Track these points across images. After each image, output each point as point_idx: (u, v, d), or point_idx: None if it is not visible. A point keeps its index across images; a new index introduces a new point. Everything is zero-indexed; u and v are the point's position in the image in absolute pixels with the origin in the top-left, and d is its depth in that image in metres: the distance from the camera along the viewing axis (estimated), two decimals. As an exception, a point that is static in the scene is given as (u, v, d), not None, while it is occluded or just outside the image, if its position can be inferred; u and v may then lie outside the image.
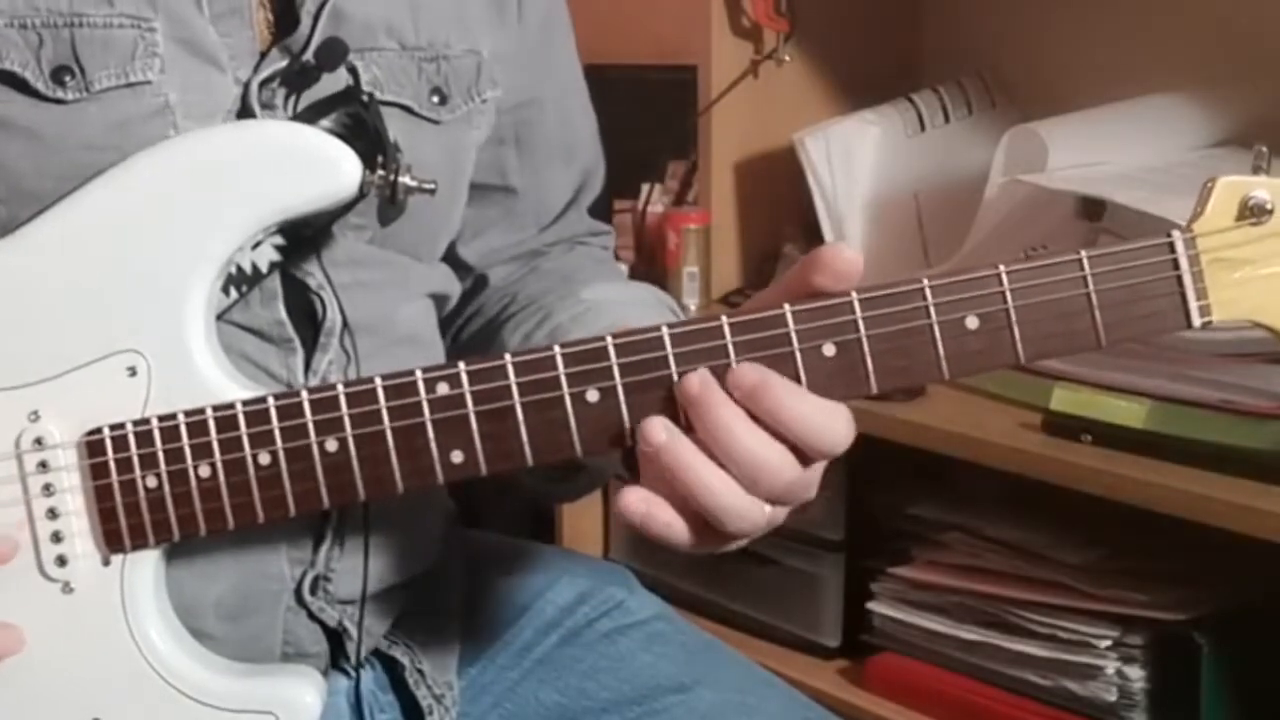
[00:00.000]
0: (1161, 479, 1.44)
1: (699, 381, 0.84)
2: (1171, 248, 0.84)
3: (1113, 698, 1.56)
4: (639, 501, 0.85)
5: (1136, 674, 1.55)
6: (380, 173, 0.97)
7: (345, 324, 1.01)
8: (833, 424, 0.85)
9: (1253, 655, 1.52)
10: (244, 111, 0.97)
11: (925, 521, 1.77)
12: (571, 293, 1.12)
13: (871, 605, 1.77)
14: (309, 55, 0.98)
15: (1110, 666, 1.55)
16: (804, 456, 0.85)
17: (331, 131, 0.95)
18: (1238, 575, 1.55)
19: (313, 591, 1.02)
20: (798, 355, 0.84)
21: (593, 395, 0.86)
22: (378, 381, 0.87)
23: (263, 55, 0.98)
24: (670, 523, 0.86)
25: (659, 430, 0.84)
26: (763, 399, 0.84)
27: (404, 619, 1.11)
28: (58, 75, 0.92)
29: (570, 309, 1.10)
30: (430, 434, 0.87)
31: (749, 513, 0.85)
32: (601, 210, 1.29)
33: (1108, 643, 1.56)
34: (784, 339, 0.84)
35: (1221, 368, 1.46)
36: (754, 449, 0.84)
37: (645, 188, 2.09)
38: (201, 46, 0.96)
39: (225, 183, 0.91)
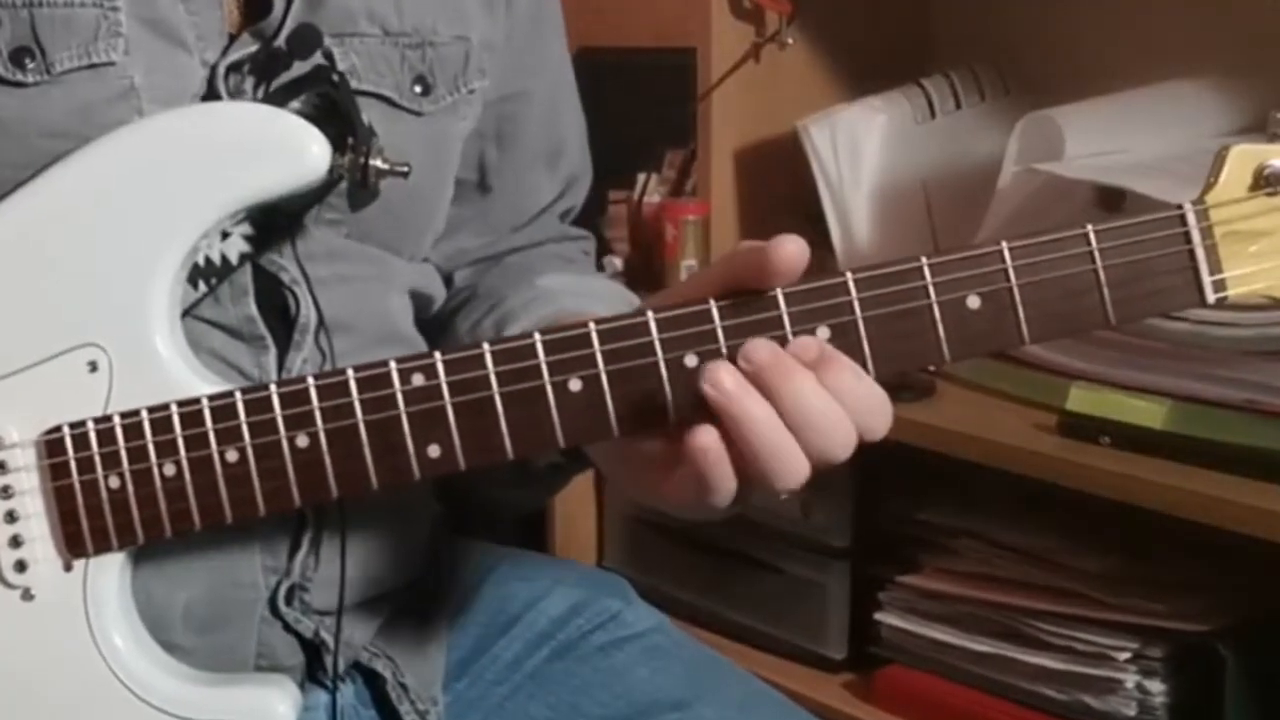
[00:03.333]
0: (1183, 482, 1.44)
1: (768, 348, 0.82)
2: (1183, 220, 0.84)
3: (1132, 712, 1.55)
4: (716, 443, 0.83)
5: (1157, 688, 1.55)
6: (350, 155, 0.96)
7: (321, 321, 1.01)
8: (883, 407, 0.84)
9: (1279, 667, 1.52)
10: (210, 97, 0.97)
11: (935, 527, 1.76)
12: (527, 281, 1.12)
13: (879, 615, 1.76)
14: (280, 41, 0.98)
15: (1129, 680, 1.55)
16: None
17: (300, 113, 0.95)
18: (1263, 583, 1.54)
19: (288, 601, 1.02)
20: (791, 339, 0.84)
21: (575, 385, 0.85)
22: (350, 374, 0.87)
23: (232, 38, 0.98)
24: (726, 475, 0.84)
25: (727, 378, 0.82)
26: (825, 372, 0.83)
27: (386, 630, 1.11)
28: (17, 57, 0.92)
29: (522, 294, 1.10)
30: (405, 428, 0.87)
31: (801, 471, 0.84)
32: (591, 208, 1.28)
33: (1127, 655, 1.55)
34: (776, 322, 0.84)
35: (1246, 366, 1.46)
36: (827, 410, 0.83)
37: (641, 177, 2.09)
38: (167, 26, 0.96)
39: (187, 168, 0.91)
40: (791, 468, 0.83)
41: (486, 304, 1.12)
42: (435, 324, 1.16)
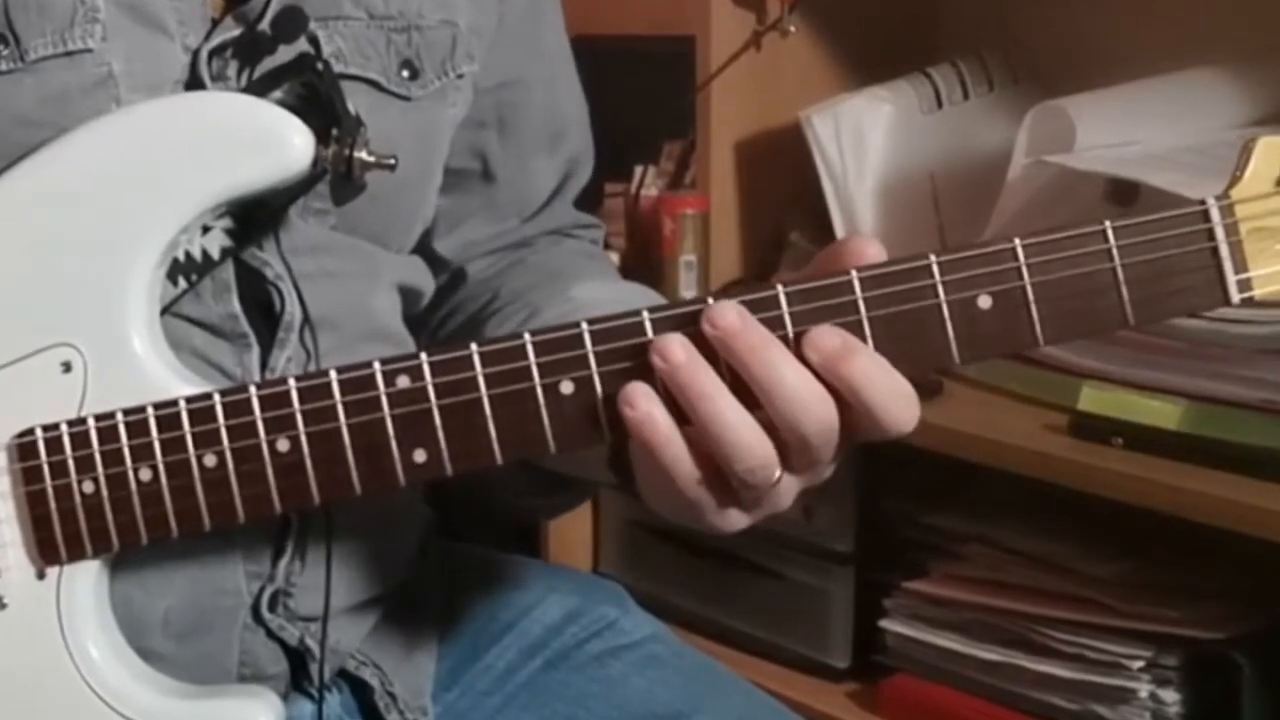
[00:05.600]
0: (1198, 485, 1.44)
1: (736, 313, 0.82)
2: (1206, 216, 0.83)
3: (1146, 723, 1.55)
4: (643, 398, 0.83)
5: (1171, 697, 1.55)
6: (334, 147, 0.96)
7: (306, 318, 1.00)
8: (907, 395, 0.83)
9: (1297, 676, 1.52)
10: (193, 83, 0.96)
11: (942, 531, 1.77)
12: (560, 290, 1.12)
13: (884, 623, 1.77)
14: (265, 25, 0.97)
15: (1143, 689, 1.55)
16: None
17: (283, 103, 0.95)
18: (1281, 590, 1.54)
19: (271, 608, 1.01)
20: (793, 340, 0.83)
21: (567, 387, 0.85)
22: (333, 375, 0.86)
23: (215, 22, 0.98)
24: (671, 439, 0.83)
25: (678, 349, 0.82)
26: (843, 367, 0.82)
27: (374, 637, 1.10)
28: None
29: (558, 306, 1.09)
30: (390, 431, 0.86)
31: (764, 458, 0.83)
32: (588, 201, 1.28)
33: (1140, 663, 1.56)
34: (777, 322, 0.83)
35: (1263, 365, 1.46)
36: (798, 388, 0.82)
37: (638, 170, 2.09)
38: (147, 11, 0.96)
39: (165, 161, 0.91)
40: (749, 450, 0.82)
41: (520, 314, 1.11)
42: (458, 326, 1.17)
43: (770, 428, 0.83)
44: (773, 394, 0.82)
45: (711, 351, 0.83)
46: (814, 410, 0.82)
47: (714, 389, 0.82)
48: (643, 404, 0.83)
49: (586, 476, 1.03)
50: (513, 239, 1.21)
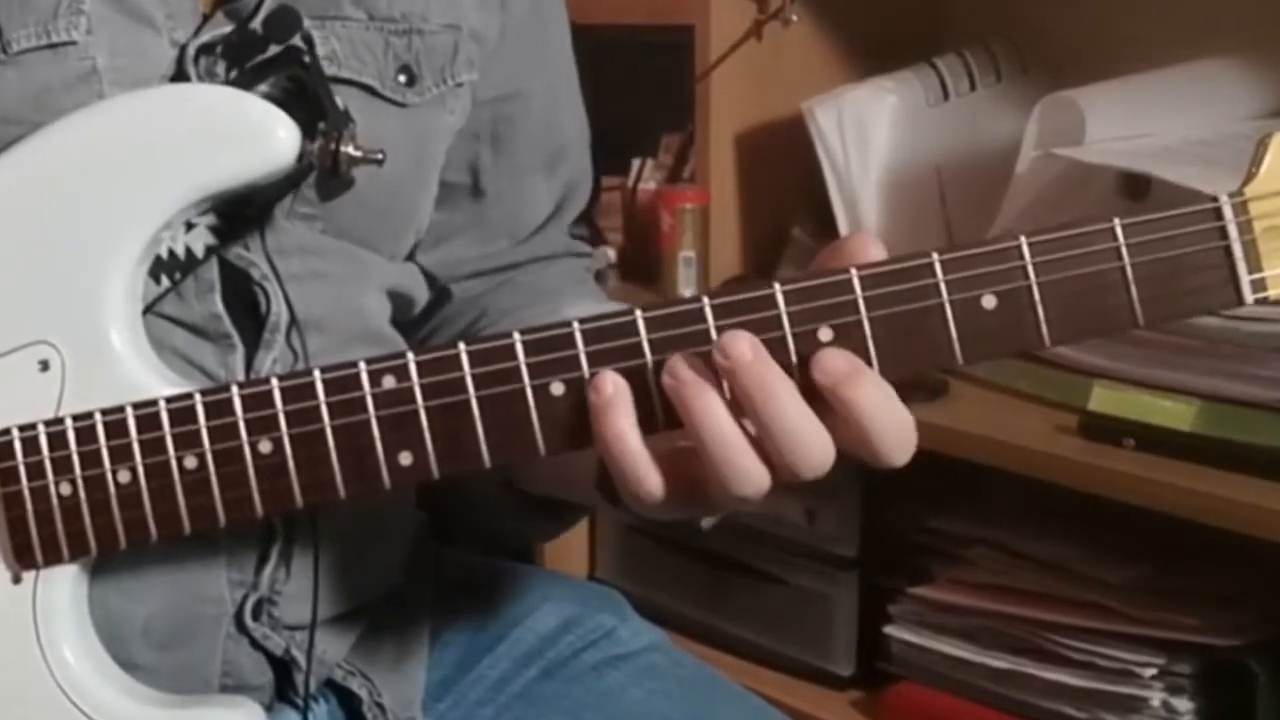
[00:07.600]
0: (1211, 488, 1.44)
1: (751, 346, 0.82)
2: (1218, 213, 0.82)
3: (1158, 732, 1.55)
4: (610, 384, 0.83)
5: (1184, 706, 1.55)
6: (320, 141, 0.95)
7: (293, 319, 1.00)
8: (907, 441, 0.83)
9: (1313, 684, 1.52)
10: (179, 79, 0.96)
11: (948, 535, 1.77)
12: (552, 310, 1.10)
13: (889, 629, 1.77)
14: (256, 23, 0.97)
15: (1155, 698, 1.56)
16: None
17: (269, 97, 0.94)
18: (1297, 595, 1.54)
19: (255, 616, 1.01)
20: (790, 340, 0.83)
21: (557, 388, 0.84)
22: (316, 375, 0.86)
23: (205, 18, 0.98)
24: (626, 432, 0.83)
25: (685, 369, 0.82)
26: (849, 391, 0.82)
27: (363, 646, 1.10)
28: None
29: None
30: (375, 433, 0.86)
31: (758, 479, 0.83)
32: (582, 226, 1.28)
33: (1152, 671, 1.56)
34: (774, 322, 0.83)
35: (1279, 365, 1.45)
36: (801, 426, 0.82)
37: (636, 163, 2.09)
38: (134, 3, 0.96)
39: (146, 155, 0.91)
40: (746, 475, 0.83)
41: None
42: (434, 334, 1.16)
43: (762, 453, 0.83)
44: (773, 429, 0.82)
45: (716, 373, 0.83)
46: (811, 450, 0.82)
47: (720, 413, 0.82)
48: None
49: (573, 499, 1.03)
50: (501, 262, 1.20)
